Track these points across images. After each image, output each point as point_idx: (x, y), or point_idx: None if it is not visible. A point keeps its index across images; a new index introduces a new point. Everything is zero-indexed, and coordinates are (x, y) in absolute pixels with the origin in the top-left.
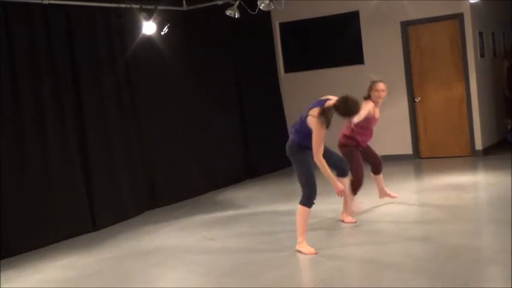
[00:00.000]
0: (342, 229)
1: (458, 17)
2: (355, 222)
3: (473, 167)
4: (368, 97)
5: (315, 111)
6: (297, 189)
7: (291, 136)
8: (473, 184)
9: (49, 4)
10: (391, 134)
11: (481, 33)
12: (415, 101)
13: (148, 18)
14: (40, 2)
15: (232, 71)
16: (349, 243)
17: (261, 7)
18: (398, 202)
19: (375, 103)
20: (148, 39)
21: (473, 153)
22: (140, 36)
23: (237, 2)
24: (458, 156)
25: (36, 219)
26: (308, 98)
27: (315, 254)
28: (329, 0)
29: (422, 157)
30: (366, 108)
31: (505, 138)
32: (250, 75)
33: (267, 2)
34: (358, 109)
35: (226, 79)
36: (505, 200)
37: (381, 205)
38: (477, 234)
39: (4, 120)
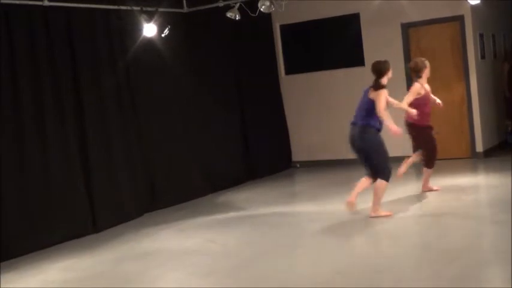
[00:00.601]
0: (343, 230)
1: (459, 19)
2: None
3: (473, 169)
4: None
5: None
6: (297, 190)
7: (356, 126)
8: (474, 186)
9: (49, 5)
10: (391, 136)
11: (481, 35)
12: None
13: (149, 20)
14: (40, 3)
15: (233, 73)
16: (349, 245)
17: (261, 9)
18: (399, 204)
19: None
20: (149, 41)
21: (474, 155)
22: (141, 38)
23: (238, 4)
24: (459, 158)
25: (36, 220)
26: (308, 100)
27: (391, 215)
28: (329, 1)
29: None
30: (414, 91)
31: (506, 140)
32: (250, 76)
33: (268, 4)
34: (387, 64)
35: (226, 81)
36: (506, 202)
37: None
38: (477, 236)
39: (4, 120)
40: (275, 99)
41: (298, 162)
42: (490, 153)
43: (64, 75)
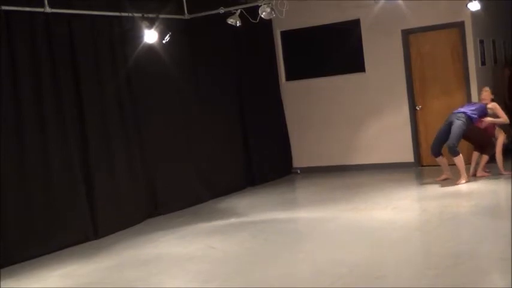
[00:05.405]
0: (342, 236)
1: (459, 26)
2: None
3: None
4: None
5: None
6: (298, 196)
7: (465, 114)
8: (474, 192)
9: (51, 12)
10: (392, 142)
11: (482, 41)
12: (416, 109)
13: (150, 27)
14: (42, 10)
15: (234, 79)
16: (348, 252)
17: (262, 15)
18: (400, 209)
19: None
20: (150, 48)
21: None
22: (142, 45)
23: (239, 11)
24: None
25: (36, 227)
26: (309, 106)
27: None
28: (330, 8)
29: (423, 165)
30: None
31: (506, 146)
32: (251, 83)
33: (268, 10)
34: None
35: (227, 87)
36: (505, 207)
37: (380, 212)
38: (477, 242)
39: (6, 129)
40: (276, 105)
41: (298, 168)
42: (489, 159)
43: (65, 82)
